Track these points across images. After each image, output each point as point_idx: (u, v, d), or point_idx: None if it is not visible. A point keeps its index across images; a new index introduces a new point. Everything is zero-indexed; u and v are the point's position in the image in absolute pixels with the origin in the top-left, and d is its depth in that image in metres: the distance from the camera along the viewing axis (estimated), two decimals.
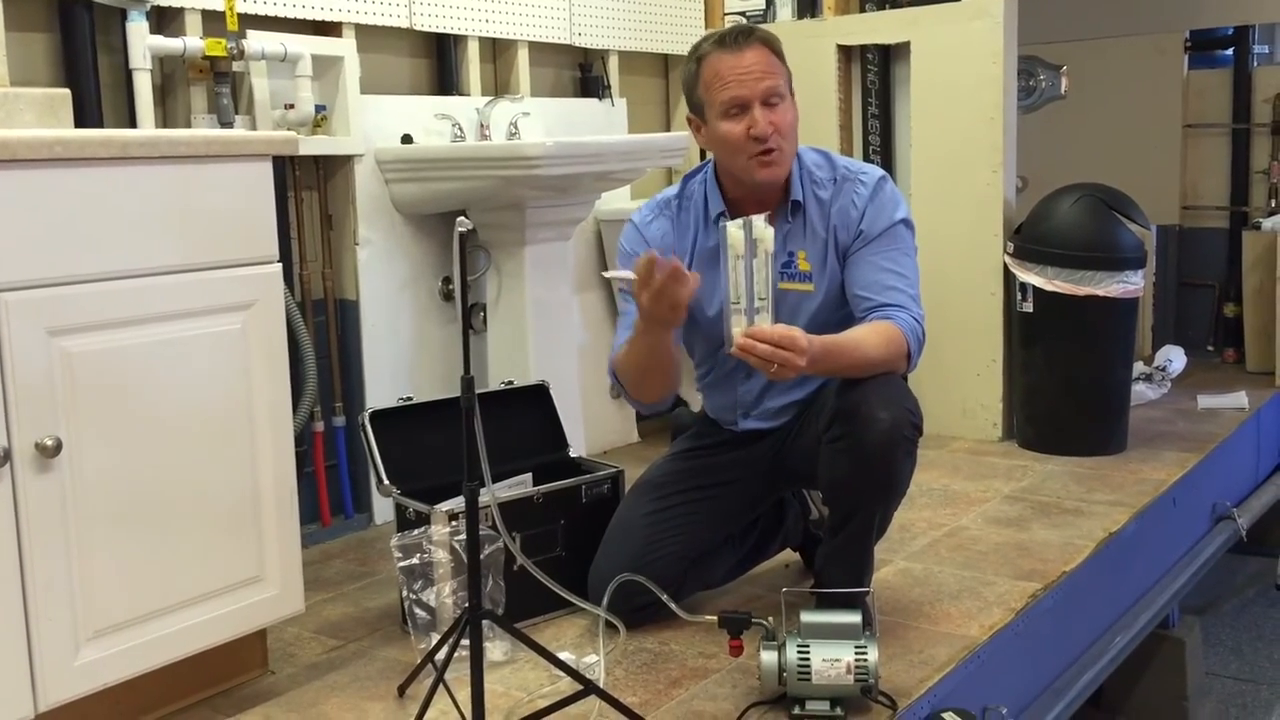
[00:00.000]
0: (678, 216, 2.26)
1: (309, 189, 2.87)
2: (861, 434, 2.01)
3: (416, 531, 2.18)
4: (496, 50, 3.34)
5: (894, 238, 2.16)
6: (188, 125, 2.57)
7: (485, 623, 1.85)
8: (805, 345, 1.88)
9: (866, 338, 2.06)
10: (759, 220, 1.90)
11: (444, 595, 2.13)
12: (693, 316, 2.11)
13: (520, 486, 2.37)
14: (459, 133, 3.07)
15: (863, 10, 3.76)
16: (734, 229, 1.90)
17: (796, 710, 1.87)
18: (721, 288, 1.97)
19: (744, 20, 3.87)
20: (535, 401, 2.58)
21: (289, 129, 2.68)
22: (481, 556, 1.85)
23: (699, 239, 2.24)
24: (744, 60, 2.09)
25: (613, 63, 3.61)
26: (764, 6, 3.81)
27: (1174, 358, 4.16)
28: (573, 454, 2.55)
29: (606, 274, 1.97)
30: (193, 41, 2.50)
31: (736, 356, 1.91)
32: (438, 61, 3.16)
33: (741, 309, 1.90)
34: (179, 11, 2.54)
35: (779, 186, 2.18)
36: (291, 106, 2.69)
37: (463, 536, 2.00)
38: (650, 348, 2.06)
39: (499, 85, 3.33)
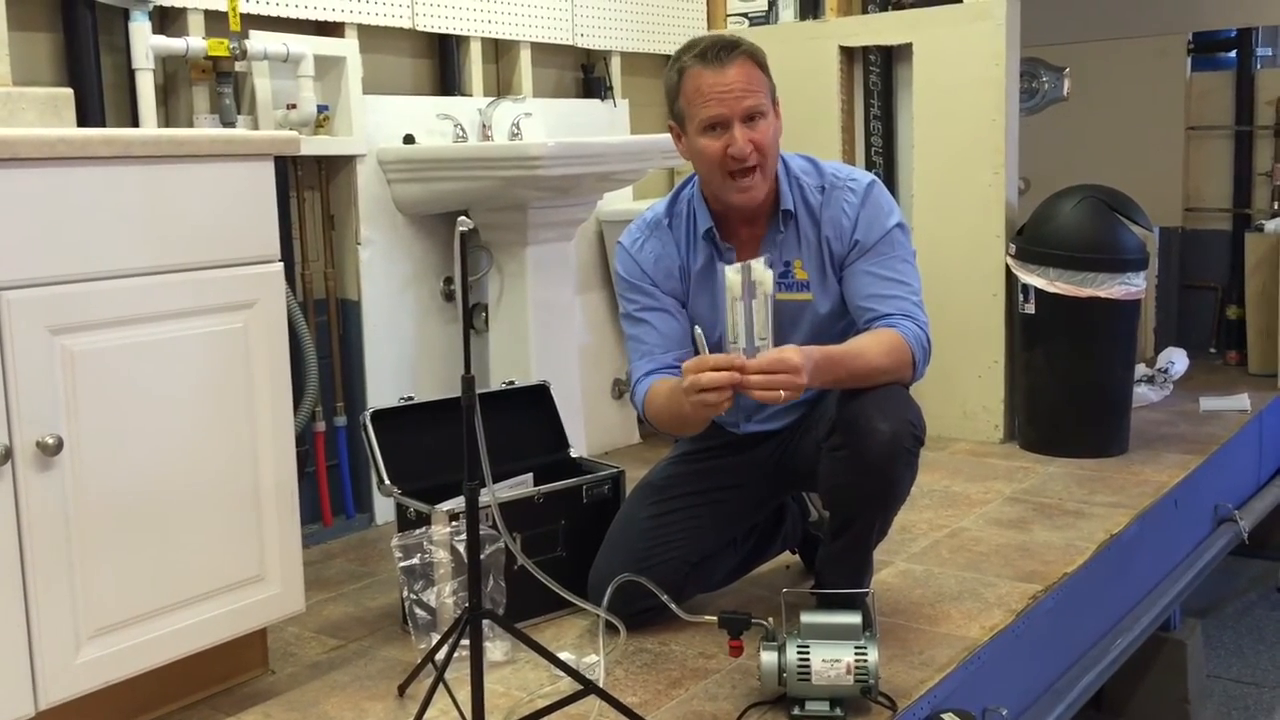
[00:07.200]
0: (669, 236, 2.22)
1: (311, 189, 2.87)
2: (861, 445, 2.00)
3: (417, 531, 2.18)
4: (499, 51, 3.34)
5: (890, 244, 2.14)
6: (190, 125, 2.58)
7: (485, 623, 1.85)
8: (799, 362, 1.87)
9: (869, 346, 2.05)
10: (758, 264, 1.90)
11: (444, 595, 2.13)
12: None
13: (521, 487, 2.37)
14: (461, 133, 3.07)
15: (865, 12, 3.76)
16: (731, 274, 1.90)
17: (796, 711, 1.87)
18: (720, 306, 1.95)
19: (746, 22, 3.86)
20: (536, 402, 2.58)
21: (291, 129, 2.68)
22: (482, 557, 1.85)
23: (690, 258, 2.21)
24: (726, 77, 2.04)
25: (615, 63, 3.61)
26: (766, 8, 3.81)
27: (1176, 360, 4.15)
28: (573, 454, 2.55)
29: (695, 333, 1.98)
30: (195, 41, 2.51)
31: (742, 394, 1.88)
32: (440, 62, 3.17)
33: (740, 348, 1.89)
34: (181, 11, 2.54)
35: (763, 201, 2.15)
36: (294, 106, 2.70)
37: (463, 536, 2.00)
38: (691, 414, 2.00)
39: (501, 86, 3.34)
